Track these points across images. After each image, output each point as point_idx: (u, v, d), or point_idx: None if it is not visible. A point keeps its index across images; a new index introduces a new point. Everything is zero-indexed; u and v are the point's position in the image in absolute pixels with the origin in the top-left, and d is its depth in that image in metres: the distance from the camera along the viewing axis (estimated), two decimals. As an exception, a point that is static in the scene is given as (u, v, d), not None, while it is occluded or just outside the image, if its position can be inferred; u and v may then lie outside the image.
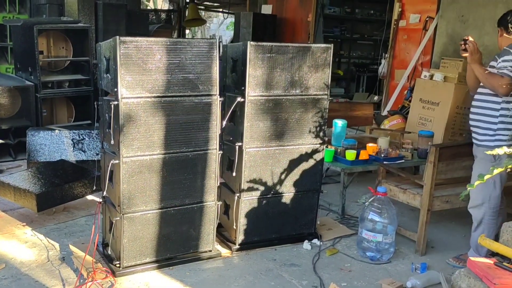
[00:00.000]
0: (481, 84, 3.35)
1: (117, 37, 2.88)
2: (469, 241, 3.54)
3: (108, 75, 3.08)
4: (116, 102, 2.93)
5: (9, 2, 7.60)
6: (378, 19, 9.93)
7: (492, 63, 3.34)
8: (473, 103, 3.43)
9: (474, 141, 3.43)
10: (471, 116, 3.44)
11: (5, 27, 7.44)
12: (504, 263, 2.68)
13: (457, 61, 5.08)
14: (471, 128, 3.45)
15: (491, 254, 3.32)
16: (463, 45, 3.31)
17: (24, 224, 3.84)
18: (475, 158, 3.44)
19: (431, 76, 5.25)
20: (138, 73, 2.96)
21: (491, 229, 3.39)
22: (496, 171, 2.24)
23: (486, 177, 2.19)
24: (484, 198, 3.35)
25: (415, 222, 3.84)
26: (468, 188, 2.27)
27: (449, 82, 5.04)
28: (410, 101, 5.64)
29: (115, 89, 2.94)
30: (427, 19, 6.18)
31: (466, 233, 4.06)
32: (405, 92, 6.12)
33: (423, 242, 3.68)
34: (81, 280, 3.05)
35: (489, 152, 2.39)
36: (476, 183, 2.24)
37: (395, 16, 6.64)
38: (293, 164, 3.60)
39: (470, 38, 3.29)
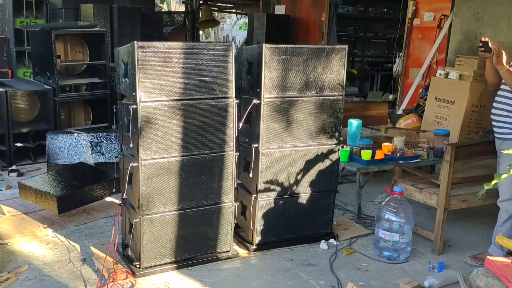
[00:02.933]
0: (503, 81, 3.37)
1: (135, 42, 2.93)
2: (486, 239, 3.53)
3: (126, 79, 3.13)
4: (134, 106, 2.98)
5: (26, 7, 7.72)
6: (391, 18, 9.91)
7: None
8: (497, 99, 3.43)
9: (497, 136, 3.43)
10: (493, 111, 3.43)
11: (22, 32, 7.56)
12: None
13: (472, 59, 5.06)
14: (493, 123, 3.44)
15: (509, 253, 3.32)
16: (480, 46, 3.32)
17: (46, 226, 3.92)
18: (499, 154, 3.44)
19: (446, 75, 5.24)
20: (156, 77, 3.01)
21: None
22: None
23: None
24: None
25: (431, 222, 3.84)
26: (490, 184, 2.29)
27: (465, 80, 5.02)
28: (425, 100, 5.62)
29: (134, 93, 2.99)
30: (441, 17, 6.16)
31: (483, 232, 4.06)
32: (420, 90, 6.11)
33: (440, 241, 3.68)
34: (103, 281, 3.11)
35: None
36: (503, 176, 2.27)
37: (409, 15, 6.63)
38: (309, 164, 3.62)
39: (487, 39, 3.30)
